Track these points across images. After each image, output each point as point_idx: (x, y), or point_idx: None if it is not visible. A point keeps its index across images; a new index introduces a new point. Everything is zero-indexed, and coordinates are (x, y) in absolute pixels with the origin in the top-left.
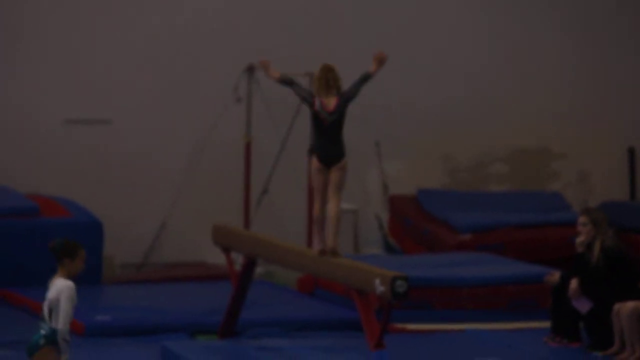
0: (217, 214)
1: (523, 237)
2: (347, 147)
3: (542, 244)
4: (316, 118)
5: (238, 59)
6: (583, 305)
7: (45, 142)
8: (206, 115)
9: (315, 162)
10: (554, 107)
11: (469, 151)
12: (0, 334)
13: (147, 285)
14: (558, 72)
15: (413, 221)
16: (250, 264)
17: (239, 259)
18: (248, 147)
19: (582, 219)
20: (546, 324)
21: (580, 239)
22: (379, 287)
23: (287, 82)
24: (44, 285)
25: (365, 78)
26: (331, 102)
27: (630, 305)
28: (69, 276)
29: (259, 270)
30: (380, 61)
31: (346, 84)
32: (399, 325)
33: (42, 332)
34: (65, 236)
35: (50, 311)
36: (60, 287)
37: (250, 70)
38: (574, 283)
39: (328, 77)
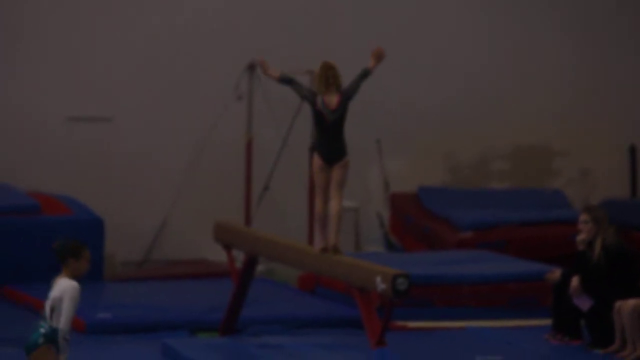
0: (218, 211)
1: (524, 234)
2: (348, 145)
3: (543, 242)
4: (318, 116)
5: (239, 57)
6: (584, 303)
7: (46, 140)
8: (207, 113)
9: (317, 160)
10: (555, 105)
11: (470, 149)
12: (2, 331)
13: (148, 283)
14: (559, 70)
15: (414, 219)
16: (251, 262)
17: (240, 257)
18: (249, 145)
19: (583, 217)
20: (547, 322)
21: (581, 237)
22: (380, 285)
23: (287, 81)
24: (45, 283)
25: (365, 74)
26: (333, 100)
27: (631, 303)
28: (73, 276)
29: (259, 267)
30: (379, 57)
31: (347, 82)
32: (400, 323)
33: (42, 330)
34: (70, 236)
35: (52, 310)
36: (64, 286)
37: (251, 68)
38: (575, 281)
39: (328, 75)
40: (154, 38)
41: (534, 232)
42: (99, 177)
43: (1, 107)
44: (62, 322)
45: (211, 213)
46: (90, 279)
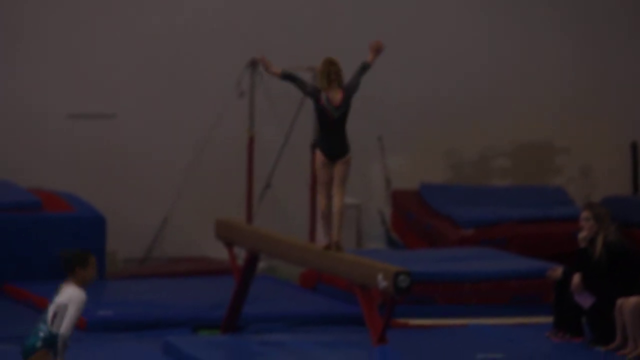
0: (220, 208)
1: (526, 232)
2: (350, 141)
3: (544, 239)
4: (322, 113)
5: (240, 54)
6: (585, 300)
7: (48, 136)
8: (209, 110)
9: (319, 156)
10: (556, 102)
11: (472, 146)
12: (3, 328)
13: (149, 280)
14: (560, 67)
15: (416, 216)
16: (252, 259)
17: (241, 254)
18: (251, 142)
19: (584, 214)
20: (549, 319)
21: (582, 234)
22: (382, 282)
23: (289, 77)
24: (46, 280)
25: (364, 68)
26: (337, 96)
27: (632, 300)
28: (81, 284)
29: (261, 265)
30: (377, 50)
31: (348, 78)
32: (402, 320)
33: (41, 334)
34: (73, 245)
35: (55, 315)
36: (71, 294)
37: (253, 64)
38: (576, 278)
39: (330, 71)
40: (155, 35)
41: (536, 230)
42: (100, 174)
43: (3, 104)
44: (64, 327)
45: (213, 210)
46: None
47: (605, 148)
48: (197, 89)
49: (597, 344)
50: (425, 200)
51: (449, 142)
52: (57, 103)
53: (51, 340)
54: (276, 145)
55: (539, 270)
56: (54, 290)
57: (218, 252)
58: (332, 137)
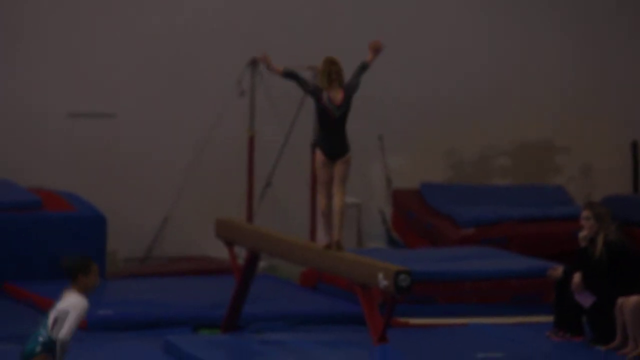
0: (220, 207)
1: (526, 231)
2: (351, 140)
3: (545, 238)
4: (323, 112)
5: (241, 53)
6: (586, 300)
7: (48, 136)
8: (209, 109)
9: (319, 155)
10: (557, 101)
11: (472, 145)
12: (3, 328)
13: (150, 280)
14: (561, 66)
15: (416, 215)
16: (253, 258)
17: (242, 253)
18: (251, 141)
19: (585, 213)
20: (549, 318)
21: (583, 233)
22: (382, 282)
23: (291, 75)
24: (47, 280)
25: (363, 67)
26: (338, 96)
27: (633, 299)
28: (84, 291)
29: (262, 264)
30: (377, 50)
31: (347, 78)
32: (402, 320)
33: (40, 339)
34: (75, 253)
35: (55, 321)
36: (73, 301)
37: (254, 63)
38: (576, 277)
39: (331, 70)
40: (155, 35)
41: (536, 229)
42: (101, 174)
43: (3, 104)
44: (63, 332)
45: (213, 209)
46: None
47: (606, 147)
48: (197, 88)
49: (597, 343)
50: (425, 199)
51: (450, 142)
52: (58, 103)
53: (50, 346)
54: (276, 145)
55: (540, 269)
56: (55, 291)
57: (218, 251)
58: (332, 137)
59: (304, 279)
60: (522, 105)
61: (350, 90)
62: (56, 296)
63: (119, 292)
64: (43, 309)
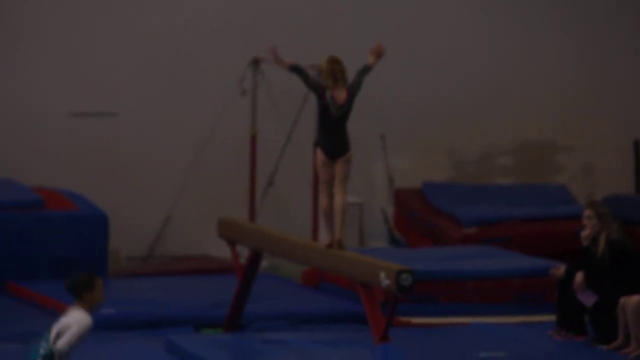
0: (222, 206)
1: (528, 230)
2: (353, 140)
3: (547, 237)
4: (324, 110)
5: (242, 52)
6: (588, 299)
7: (50, 135)
8: (211, 108)
9: (320, 154)
10: (559, 100)
11: (474, 144)
12: (6, 327)
13: (152, 279)
14: (563, 65)
15: (418, 214)
16: (255, 257)
17: (244, 252)
18: (253, 140)
19: (587, 213)
20: (551, 318)
21: (585, 233)
22: (384, 281)
23: (297, 70)
24: (49, 279)
25: (366, 70)
26: (341, 95)
27: (635, 299)
28: (90, 307)
29: (264, 263)
30: (379, 54)
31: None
32: (404, 319)
33: (41, 351)
34: (76, 271)
35: (58, 335)
36: (78, 317)
37: (256, 63)
38: (579, 276)
39: (335, 69)
40: (156, 35)
41: (538, 228)
42: (103, 173)
43: (5, 102)
44: (62, 342)
45: (215, 209)
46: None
47: (608, 146)
48: (198, 87)
49: (599, 342)
50: (427, 198)
51: (451, 141)
52: (58, 103)
53: (51, 358)
54: (278, 144)
55: (542, 268)
56: (57, 290)
57: (220, 250)
58: (333, 136)
59: (305, 278)
60: (523, 104)
61: (353, 90)
62: (59, 295)
63: (121, 291)
64: (45, 308)
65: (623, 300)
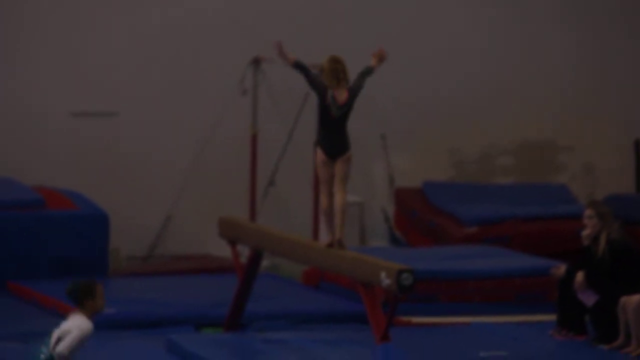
0: (223, 206)
1: (529, 229)
2: (353, 139)
3: (548, 237)
4: (324, 110)
5: (244, 51)
6: (589, 298)
7: (51, 134)
8: (212, 107)
9: (320, 154)
10: (559, 100)
11: (475, 144)
12: (6, 326)
13: (152, 278)
14: (564, 64)
15: (419, 214)
16: (256, 257)
17: (244, 252)
18: (254, 139)
19: (588, 212)
20: (552, 317)
21: (586, 232)
22: (385, 280)
23: (301, 67)
24: (50, 278)
25: (368, 72)
26: (342, 95)
27: (636, 298)
28: (91, 314)
29: (264, 262)
30: (381, 58)
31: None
32: (405, 318)
33: (42, 356)
34: (77, 278)
35: (58, 340)
36: (78, 322)
37: (256, 62)
38: (579, 276)
39: (337, 69)
40: (157, 33)
41: (539, 228)
42: (103, 173)
43: (5, 102)
44: (62, 346)
45: (216, 208)
46: (94, 274)
47: (609, 146)
48: (199, 87)
49: (600, 342)
50: (428, 198)
51: (452, 140)
52: (59, 102)
53: None
54: (279, 143)
55: (543, 268)
56: (58, 290)
57: (221, 250)
58: (332, 135)
59: (306, 278)
60: (524, 104)
61: (354, 91)
62: (59, 295)
63: (122, 290)
64: (46, 308)
65: (624, 299)
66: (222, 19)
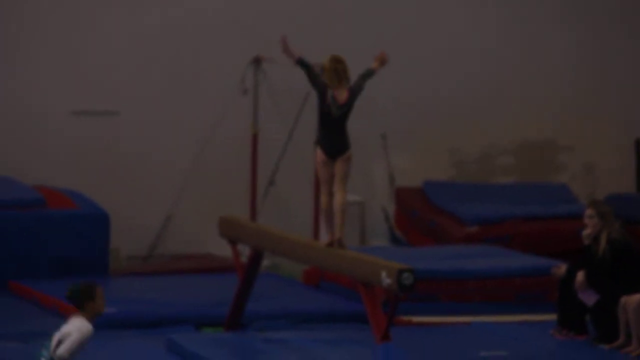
0: (224, 205)
1: (530, 229)
2: (354, 139)
3: (548, 237)
4: (325, 110)
5: (243, 51)
6: (589, 298)
7: (51, 134)
8: (212, 107)
9: (319, 153)
10: (560, 99)
11: (475, 143)
12: (7, 326)
13: (153, 278)
14: (564, 64)
15: (419, 213)
16: (256, 256)
17: (245, 251)
18: (254, 139)
19: (588, 212)
20: (553, 317)
21: (586, 232)
22: (385, 280)
23: (304, 64)
24: (50, 278)
25: (369, 74)
26: (342, 95)
27: (636, 298)
28: (92, 316)
29: (265, 262)
30: (382, 61)
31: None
32: (405, 318)
33: (42, 359)
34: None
35: (59, 343)
36: (79, 325)
37: (257, 62)
38: (580, 275)
39: (338, 69)
40: (158, 32)
41: (540, 227)
42: (104, 172)
43: (5, 101)
44: (63, 348)
45: (216, 208)
46: (95, 274)
47: (609, 145)
48: (199, 86)
49: (601, 341)
50: (429, 197)
51: (453, 140)
52: (59, 102)
53: None
54: (279, 143)
55: (543, 267)
56: (59, 289)
57: (222, 249)
58: (332, 135)
59: (306, 277)
60: (525, 103)
61: (355, 92)
62: (60, 294)
63: (122, 290)
64: (46, 307)
65: (624, 299)
66: (223, 18)
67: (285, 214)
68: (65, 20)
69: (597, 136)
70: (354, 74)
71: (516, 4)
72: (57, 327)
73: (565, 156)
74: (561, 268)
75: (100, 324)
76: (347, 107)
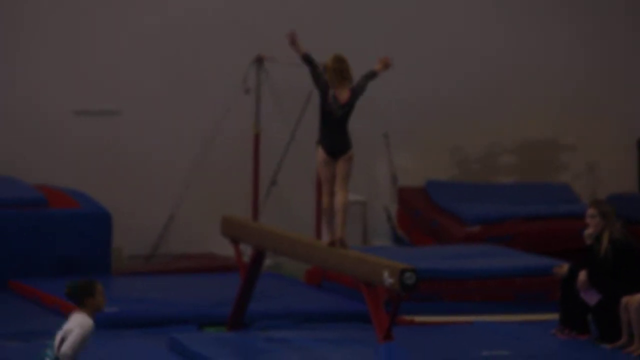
0: (226, 205)
1: (531, 229)
2: (356, 139)
3: (550, 236)
4: (326, 109)
5: (246, 50)
6: (591, 298)
7: (53, 133)
8: (215, 106)
9: (321, 153)
10: (562, 99)
11: (477, 143)
12: (9, 325)
13: (155, 277)
14: (566, 63)
15: (422, 213)
16: (258, 256)
17: (247, 251)
18: (257, 139)
19: (590, 211)
20: (555, 316)
21: (588, 231)
22: (388, 279)
23: (309, 61)
24: (52, 277)
25: (372, 75)
26: (344, 94)
27: (638, 298)
28: (93, 312)
29: (267, 262)
30: (385, 64)
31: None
32: (407, 318)
33: (47, 359)
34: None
35: (62, 341)
36: (80, 321)
37: (259, 61)
38: (582, 275)
39: (341, 68)
40: (159, 32)
41: (542, 227)
42: (106, 172)
43: (8, 100)
44: (66, 346)
45: (218, 207)
46: (97, 273)
47: (611, 145)
48: (202, 86)
49: (602, 341)
50: (431, 197)
51: (455, 140)
52: (61, 101)
53: None
54: (282, 142)
55: (545, 267)
56: (60, 288)
57: (224, 249)
58: (333, 135)
59: (308, 277)
60: (527, 103)
61: (356, 92)
62: (61, 293)
63: (124, 289)
64: (48, 307)
65: (626, 299)
66: (224, 18)
67: (288, 213)
68: (66, 20)
69: (598, 136)
70: (354, 74)
71: (516, 4)
72: (58, 326)
73: (567, 156)
74: (563, 268)
75: (102, 323)
76: (349, 107)
